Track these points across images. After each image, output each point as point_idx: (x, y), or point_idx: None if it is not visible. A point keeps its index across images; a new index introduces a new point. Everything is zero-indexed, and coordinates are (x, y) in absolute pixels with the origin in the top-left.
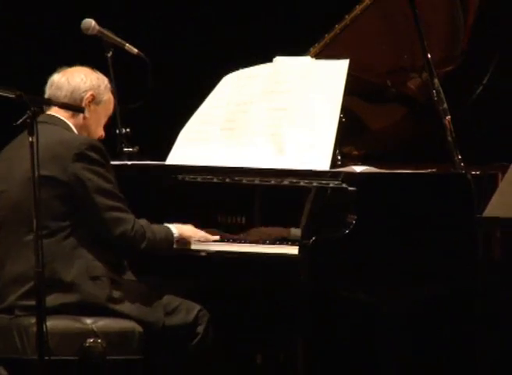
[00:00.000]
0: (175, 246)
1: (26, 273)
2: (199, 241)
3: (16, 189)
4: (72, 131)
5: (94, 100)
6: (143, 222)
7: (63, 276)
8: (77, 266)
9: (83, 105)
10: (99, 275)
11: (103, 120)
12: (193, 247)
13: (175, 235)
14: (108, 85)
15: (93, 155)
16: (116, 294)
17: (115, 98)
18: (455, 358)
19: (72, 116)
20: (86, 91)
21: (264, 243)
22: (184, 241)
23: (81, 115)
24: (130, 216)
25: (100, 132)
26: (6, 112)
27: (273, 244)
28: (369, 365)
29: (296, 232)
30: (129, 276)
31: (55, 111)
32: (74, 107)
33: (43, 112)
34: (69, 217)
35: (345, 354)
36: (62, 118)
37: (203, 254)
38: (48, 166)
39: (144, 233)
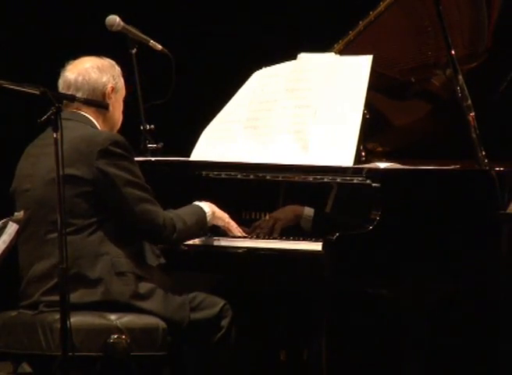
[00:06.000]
0: (209, 223)
1: (50, 269)
2: (228, 228)
3: (40, 187)
4: (96, 127)
5: (113, 90)
6: (171, 213)
7: (89, 272)
8: (103, 263)
9: (107, 99)
10: (124, 271)
11: (122, 105)
12: (216, 243)
13: (207, 213)
14: (118, 68)
15: (117, 150)
16: (142, 290)
17: (133, 87)
18: (479, 355)
19: (95, 111)
20: (105, 85)
21: (287, 239)
22: (218, 217)
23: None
24: (160, 209)
25: (121, 117)
26: (29, 109)
27: (297, 240)
28: (393, 362)
29: (309, 212)
30: (161, 261)
31: (76, 107)
32: (98, 103)
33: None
34: (94, 214)
35: (369, 351)
36: (84, 114)
37: (227, 250)
38: (71, 164)
39: (175, 224)
